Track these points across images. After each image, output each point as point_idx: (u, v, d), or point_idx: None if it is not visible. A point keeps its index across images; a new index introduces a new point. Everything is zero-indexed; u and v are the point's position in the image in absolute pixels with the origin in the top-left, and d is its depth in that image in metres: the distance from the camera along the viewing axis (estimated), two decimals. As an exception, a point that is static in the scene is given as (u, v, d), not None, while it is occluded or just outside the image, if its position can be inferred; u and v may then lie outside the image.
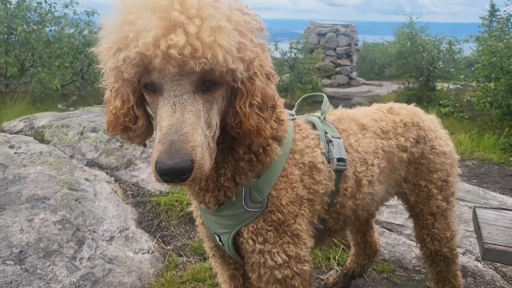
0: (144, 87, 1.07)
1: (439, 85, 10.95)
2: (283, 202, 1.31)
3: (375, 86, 16.10)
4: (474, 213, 2.07)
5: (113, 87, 1.17)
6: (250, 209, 1.29)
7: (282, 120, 1.29)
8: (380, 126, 1.76)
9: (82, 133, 3.58)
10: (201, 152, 0.99)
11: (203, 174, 1.00)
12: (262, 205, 1.30)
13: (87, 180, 3.04)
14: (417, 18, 11.24)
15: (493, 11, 35.28)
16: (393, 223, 3.17)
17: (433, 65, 10.25)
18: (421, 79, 10.65)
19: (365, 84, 16.80)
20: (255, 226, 1.31)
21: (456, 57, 10.94)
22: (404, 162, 1.81)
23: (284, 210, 1.31)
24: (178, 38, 0.92)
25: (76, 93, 6.77)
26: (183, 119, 0.98)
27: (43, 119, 4.08)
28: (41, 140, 3.60)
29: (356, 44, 17.24)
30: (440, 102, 8.95)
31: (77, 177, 3.01)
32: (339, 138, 1.55)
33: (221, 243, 1.43)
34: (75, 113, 4.36)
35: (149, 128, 1.22)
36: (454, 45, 9.76)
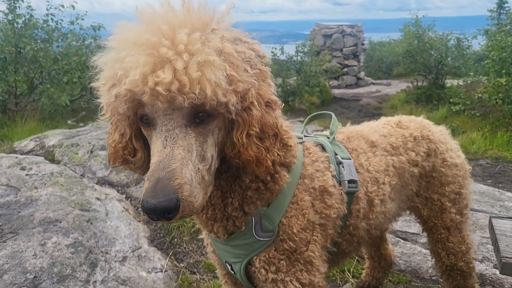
0: (140, 119, 1.09)
1: (448, 82, 10.84)
2: (295, 230, 1.30)
3: (384, 85, 15.99)
4: (490, 223, 2.03)
5: (112, 121, 1.20)
6: (261, 238, 1.28)
7: (290, 146, 1.28)
8: (389, 142, 1.74)
9: (91, 152, 3.60)
10: (189, 189, 0.98)
11: (193, 211, 1.00)
12: (273, 234, 1.28)
13: (98, 199, 3.06)
14: (423, 15, 11.14)
15: (501, 3, 34.87)
16: (408, 232, 3.13)
17: (442, 63, 10.14)
18: (430, 77, 10.53)
19: (373, 83, 16.69)
20: (267, 255, 1.29)
21: (465, 52, 10.79)
22: (416, 177, 1.79)
23: (296, 238, 1.30)
24: (165, 75, 0.94)
25: (85, 107, 6.83)
26: (172, 154, 0.99)
27: (53, 137, 4.12)
28: (52, 160, 3.64)
29: (363, 44, 17.15)
30: (451, 100, 8.84)
31: (88, 197, 3.03)
32: (349, 159, 1.53)
33: (233, 272, 1.42)
34: (84, 130, 4.40)
35: (149, 160, 1.24)
36: (463, 42, 9.64)
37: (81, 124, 5.73)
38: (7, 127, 5.12)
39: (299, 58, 11.68)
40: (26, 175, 3.22)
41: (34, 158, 3.57)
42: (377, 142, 1.70)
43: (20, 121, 5.38)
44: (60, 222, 2.63)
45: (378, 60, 20.91)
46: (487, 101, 8.33)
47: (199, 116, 1.04)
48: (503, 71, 8.27)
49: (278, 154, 1.17)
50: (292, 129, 1.39)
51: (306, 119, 1.83)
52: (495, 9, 34.07)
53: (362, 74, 16.93)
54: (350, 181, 1.47)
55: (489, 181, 5.85)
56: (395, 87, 14.91)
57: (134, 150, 1.21)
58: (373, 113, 10.97)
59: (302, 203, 1.33)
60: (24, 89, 5.86)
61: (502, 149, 7.07)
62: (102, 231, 2.70)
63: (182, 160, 0.99)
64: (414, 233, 3.12)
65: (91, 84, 1.16)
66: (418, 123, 1.92)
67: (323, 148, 1.53)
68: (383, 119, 1.97)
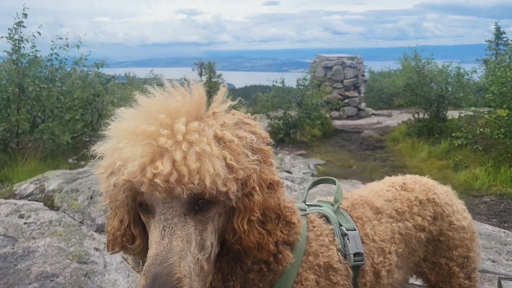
0: (139, 206, 1.08)
1: (449, 114, 10.86)
2: None
3: (385, 116, 16.06)
4: (500, 285, 1.97)
5: (111, 206, 1.19)
6: None
7: (294, 223, 1.25)
8: (395, 207, 1.70)
9: (91, 197, 3.57)
10: (189, 282, 0.96)
11: None
12: None
13: (96, 249, 3.00)
14: (423, 49, 11.28)
15: (498, 34, 35.46)
16: (415, 284, 3.05)
17: (443, 96, 10.20)
18: (431, 110, 10.57)
19: (374, 114, 16.77)
20: None
21: (465, 83, 10.85)
22: (423, 242, 1.75)
23: None
24: (163, 166, 0.94)
25: (87, 143, 6.83)
26: (170, 247, 0.97)
27: (53, 180, 4.09)
28: (51, 205, 3.60)
29: (363, 75, 17.35)
30: (453, 134, 8.84)
31: (86, 248, 2.97)
32: (355, 230, 1.49)
33: None
34: (85, 172, 4.37)
35: (147, 246, 1.21)
36: (463, 76, 9.72)
37: (82, 163, 5.72)
38: (7, 167, 5.10)
39: (300, 89, 11.76)
40: (25, 223, 3.17)
41: (33, 204, 3.53)
42: (382, 208, 1.67)
43: (21, 160, 5.36)
44: (57, 277, 2.57)
45: (378, 91, 21.11)
46: (489, 136, 8.32)
47: (199, 203, 1.03)
48: (504, 105, 8.30)
49: (281, 234, 1.15)
50: (295, 203, 1.36)
51: (310, 184, 1.80)
52: (493, 40, 34.68)
53: (363, 105, 17.04)
54: (355, 254, 1.43)
55: (494, 220, 5.77)
56: (396, 118, 14.96)
57: (132, 237, 1.20)
58: (374, 146, 10.98)
59: (306, 283, 1.28)
60: (26, 127, 5.88)
61: (506, 185, 7.01)
62: (100, 286, 2.63)
63: (180, 253, 0.97)
64: (420, 285, 3.04)
65: (95, 172, 1.16)
66: (423, 185, 1.88)
67: (328, 220, 1.50)
68: (387, 180, 1.94)
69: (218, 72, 30.99)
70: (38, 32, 5.89)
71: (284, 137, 11.50)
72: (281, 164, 7.51)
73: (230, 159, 1.01)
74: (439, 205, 1.82)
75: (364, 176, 8.26)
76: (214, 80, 28.92)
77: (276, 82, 12.34)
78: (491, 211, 6.24)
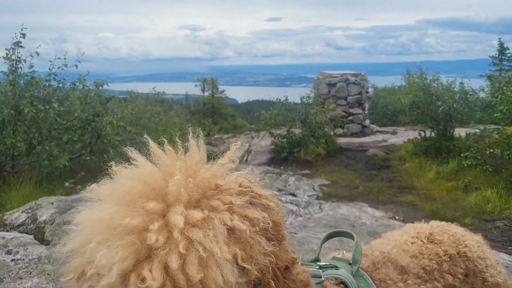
0: None
1: (456, 132, 10.62)
2: None
3: (390, 133, 15.85)
4: None
5: None
6: None
7: None
8: (422, 265, 1.48)
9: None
10: None
11: None
12: None
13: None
14: (428, 68, 11.13)
15: (502, 49, 35.35)
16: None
17: (450, 115, 9.99)
18: (438, 128, 10.36)
19: (379, 132, 16.56)
20: None
21: (471, 100, 10.63)
22: (453, 304, 1.52)
23: None
24: (152, 276, 0.69)
25: (85, 165, 6.64)
26: None
27: (46, 209, 3.88)
28: (42, 239, 3.38)
29: (367, 92, 17.18)
30: (461, 154, 8.61)
31: (77, 289, 2.74)
32: None
33: None
34: (80, 200, 4.16)
35: None
36: (470, 94, 9.53)
37: (79, 188, 5.51)
38: (0, 192, 4.90)
39: (304, 107, 11.59)
40: (12, 260, 2.96)
41: (23, 238, 3.31)
42: (408, 267, 1.45)
43: (15, 184, 5.17)
44: (42, 326, 2.34)
45: (383, 108, 20.97)
46: (499, 156, 8.09)
47: None
48: (514, 125, 8.10)
49: None
50: (307, 265, 1.14)
51: (324, 237, 1.58)
52: (496, 55, 34.66)
53: (367, 122, 16.83)
54: None
55: (510, 248, 5.50)
56: (402, 136, 14.74)
57: None
58: (380, 165, 10.73)
59: None
60: (22, 150, 5.70)
61: (520, 209, 6.76)
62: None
63: None
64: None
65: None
66: (452, 235, 1.66)
67: (346, 287, 1.28)
68: (411, 229, 1.71)
69: (221, 88, 30.98)
70: (37, 52, 5.76)
71: (288, 155, 11.28)
72: (285, 186, 7.29)
73: (242, 259, 0.78)
74: (471, 259, 1.59)
75: (371, 198, 8.02)
76: (217, 96, 28.91)
77: (280, 99, 12.19)
78: (505, 237, 5.98)
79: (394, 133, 16.41)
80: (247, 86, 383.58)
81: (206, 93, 29.43)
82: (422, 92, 10.25)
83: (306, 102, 11.52)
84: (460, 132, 10.94)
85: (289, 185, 7.40)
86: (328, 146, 11.68)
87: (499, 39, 33.10)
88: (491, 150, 7.98)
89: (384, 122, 21.22)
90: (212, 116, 27.53)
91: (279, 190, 6.96)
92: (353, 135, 15.69)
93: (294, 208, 5.83)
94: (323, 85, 16.48)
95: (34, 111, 5.22)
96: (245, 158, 12.09)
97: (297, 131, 11.91)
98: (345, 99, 16.14)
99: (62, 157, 5.47)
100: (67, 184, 5.61)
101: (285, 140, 11.50)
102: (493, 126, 15.51)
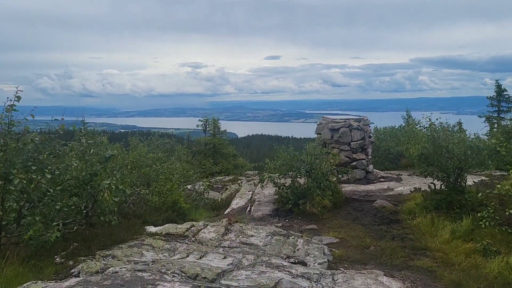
0: None
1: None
2: None
3: (394, 180, 15.29)
4: None
5: None
6: None
7: None
8: None
9: None
10: None
11: None
12: None
13: None
14: (438, 120, 10.76)
15: (500, 91, 35.33)
16: None
17: (461, 168, 9.49)
18: (449, 181, 9.84)
19: (383, 177, 16.02)
20: None
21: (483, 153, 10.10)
22: None
23: None
24: None
25: (79, 233, 6.05)
26: None
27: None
28: None
29: (370, 137, 16.77)
30: (478, 214, 8.05)
31: None
32: None
33: None
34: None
35: None
36: (482, 149, 9.06)
37: (71, 263, 4.92)
38: (-18, 272, 4.32)
39: (309, 158, 11.11)
40: None
41: None
42: None
43: (1, 261, 4.58)
44: None
45: (385, 151, 20.55)
46: (520, 218, 7.54)
47: None
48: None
49: None
50: None
51: None
52: (494, 96, 34.63)
53: (370, 167, 16.34)
54: None
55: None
56: (407, 184, 14.19)
57: None
58: (390, 219, 10.13)
59: None
60: (11, 219, 5.16)
61: (549, 281, 6.14)
62: None
63: None
64: None
65: None
66: None
67: None
68: None
69: (221, 123, 30.71)
70: (32, 115, 5.32)
71: (293, 207, 10.69)
72: (294, 252, 6.67)
73: None
74: None
75: (385, 262, 7.38)
76: (218, 136, 28.57)
77: (281, 146, 11.73)
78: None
79: (398, 179, 15.87)
80: (247, 121, 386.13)
81: (208, 134, 29.11)
82: (430, 144, 9.79)
83: (312, 152, 10.99)
84: (468, 182, 10.44)
85: (298, 249, 6.78)
86: (333, 197, 11.11)
87: (496, 81, 33.18)
88: (510, 212, 7.43)
89: (387, 166, 20.76)
90: (213, 156, 27.08)
91: (288, 257, 6.34)
92: (357, 181, 15.15)
93: (306, 284, 5.22)
94: (326, 130, 16.11)
95: (25, 181, 4.71)
96: (248, 209, 11.48)
97: (302, 180, 11.39)
98: (349, 144, 15.71)
99: (53, 230, 4.91)
100: (57, 259, 5.01)
101: (289, 190, 10.94)
102: (498, 173, 15.06)
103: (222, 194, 15.00)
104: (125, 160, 11.73)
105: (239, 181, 18.92)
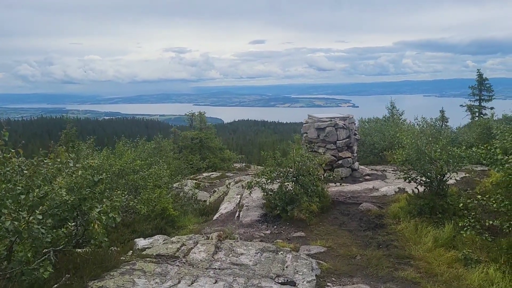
0: None
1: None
2: None
3: (379, 179, 15.59)
4: None
5: None
6: None
7: None
8: None
9: None
10: None
11: None
12: None
13: None
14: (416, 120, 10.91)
15: (481, 80, 35.86)
16: None
17: (443, 175, 9.76)
18: (432, 186, 10.10)
19: (368, 175, 16.32)
20: None
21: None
22: None
23: None
24: None
25: (71, 259, 6.09)
26: None
27: None
28: None
29: (355, 134, 17.00)
30: (460, 224, 8.32)
31: None
32: None
33: None
34: None
35: None
36: (460, 156, 9.28)
37: (64, 299, 4.98)
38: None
39: (296, 165, 11.24)
40: None
41: None
42: None
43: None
44: None
45: (370, 145, 20.84)
46: (499, 229, 7.84)
47: None
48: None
49: None
50: None
51: None
52: (475, 86, 35.14)
53: (356, 164, 16.61)
54: None
55: None
56: (392, 182, 14.51)
57: None
58: (375, 224, 10.38)
59: None
60: (2, 254, 5.17)
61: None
62: None
63: None
64: None
65: None
66: None
67: None
68: None
69: (207, 108, 30.69)
70: (19, 150, 5.28)
71: (281, 213, 10.85)
72: (283, 270, 6.84)
73: None
74: None
75: (371, 273, 7.61)
76: (204, 131, 28.51)
77: (270, 154, 11.83)
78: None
79: (383, 176, 16.20)
80: (232, 107, 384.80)
81: (194, 129, 29.01)
82: (414, 151, 10.01)
83: (299, 159, 11.12)
84: (453, 188, 10.74)
85: (287, 267, 6.95)
86: (321, 201, 11.31)
87: (478, 70, 33.69)
88: (491, 222, 7.71)
89: (372, 159, 21.10)
90: (200, 151, 27.07)
91: (278, 276, 6.51)
92: (343, 180, 15.40)
93: (296, 309, 5.39)
94: (312, 130, 16.27)
95: (16, 222, 4.71)
96: (236, 215, 11.62)
97: (290, 184, 11.52)
98: (335, 143, 15.93)
99: (45, 266, 4.94)
100: (50, 294, 5.07)
101: (277, 196, 11.09)
102: (479, 168, 15.46)
103: (210, 197, 15.09)
104: (112, 167, 11.70)
105: (226, 179, 19.02)
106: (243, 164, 30.30)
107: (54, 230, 5.72)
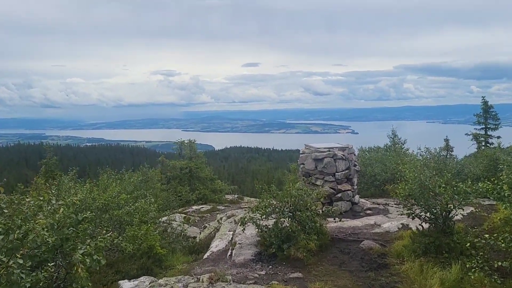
0: None
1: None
2: None
3: (382, 214, 15.64)
4: None
5: None
6: None
7: None
8: None
9: None
10: None
11: None
12: None
13: None
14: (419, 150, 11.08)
15: (486, 108, 36.44)
16: None
17: (449, 212, 9.85)
18: (437, 223, 10.18)
19: (369, 209, 16.37)
20: None
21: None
22: None
23: None
24: None
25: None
26: None
27: None
28: None
29: (355, 165, 17.16)
30: (467, 265, 8.36)
31: None
32: None
33: None
34: None
35: None
36: (466, 192, 9.40)
37: None
38: None
39: (293, 200, 11.30)
40: None
41: None
42: None
43: None
44: None
45: (371, 177, 20.96)
46: (508, 269, 7.89)
47: None
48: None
49: None
50: None
51: None
52: (481, 114, 35.76)
53: (356, 198, 16.68)
54: None
55: None
56: (395, 217, 14.55)
57: None
58: (378, 264, 10.36)
59: None
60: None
61: None
62: None
63: None
64: None
65: None
66: None
67: None
68: None
69: (197, 134, 30.79)
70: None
71: (277, 252, 10.81)
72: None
73: None
74: None
75: (373, 319, 7.57)
76: (194, 160, 28.54)
77: (265, 185, 11.89)
78: None
79: (385, 211, 16.25)
80: (224, 132, 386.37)
81: (183, 158, 29.05)
82: (417, 185, 10.13)
83: (296, 194, 11.19)
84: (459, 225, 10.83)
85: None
86: (319, 238, 11.31)
87: (483, 97, 34.35)
88: (500, 263, 7.77)
89: (373, 192, 21.19)
90: (189, 182, 27.02)
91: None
92: (343, 214, 15.41)
93: None
94: (309, 160, 16.40)
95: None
96: (229, 253, 11.55)
97: (286, 220, 11.53)
98: (333, 175, 16.04)
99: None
100: None
101: (273, 233, 11.08)
102: (487, 202, 15.59)
103: (200, 233, 15.01)
104: (96, 201, 11.66)
105: (218, 213, 18.95)
106: (236, 196, 30.22)
107: (33, 274, 5.69)
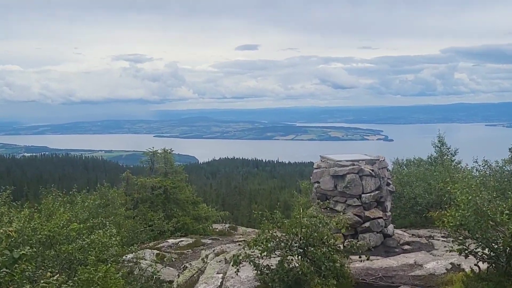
0: None
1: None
2: None
3: (424, 250, 15.72)
4: None
5: None
6: None
7: None
8: None
9: None
10: None
11: None
12: None
13: None
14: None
15: None
16: None
17: (515, 248, 9.91)
18: (499, 262, 10.24)
19: (407, 244, 16.48)
20: None
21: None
22: None
23: None
24: None
25: None
26: None
27: None
28: None
29: (388, 185, 17.22)
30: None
31: None
32: None
33: None
34: None
35: None
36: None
37: None
38: None
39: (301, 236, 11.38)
40: None
41: None
42: None
43: None
44: None
45: (410, 199, 21.04)
46: None
47: None
48: None
49: None
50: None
51: None
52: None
53: (390, 228, 16.74)
54: None
55: None
56: (442, 256, 14.60)
57: None
58: (419, 318, 10.43)
59: None
60: None
61: None
62: None
63: None
64: None
65: None
66: None
67: None
68: None
69: (175, 141, 30.91)
70: None
71: (283, 301, 10.86)
72: None
73: None
74: None
75: None
76: (170, 177, 28.60)
77: (267, 211, 11.97)
78: None
79: (429, 245, 16.34)
80: (211, 139, 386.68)
81: (156, 174, 29.15)
82: (471, 212, 10.20)
83: (309, 223, 11.26)
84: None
85: None
86: (340, 283, 11.36)
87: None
88: None
89: (412, 221, 21.28)
90: (164, 206, 27.06)
91: None
92: (372, 251, 15.46)
93: None
94: (326, 178, 16.46)
95: None
96: (218, 304, 11.60)
97: (294, 258, 11.59)
98: (359, 197, 16.10)
99: None
100: None
101: (276, 276, 11.12)
102: None
103: (178, 275, 15.07)
104: (39, 233, 11.71)
105: (202, 249, 19.01)
106: (227, 226, 30.21)
107: None
